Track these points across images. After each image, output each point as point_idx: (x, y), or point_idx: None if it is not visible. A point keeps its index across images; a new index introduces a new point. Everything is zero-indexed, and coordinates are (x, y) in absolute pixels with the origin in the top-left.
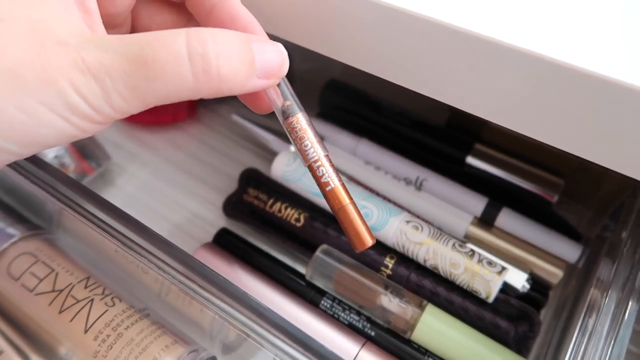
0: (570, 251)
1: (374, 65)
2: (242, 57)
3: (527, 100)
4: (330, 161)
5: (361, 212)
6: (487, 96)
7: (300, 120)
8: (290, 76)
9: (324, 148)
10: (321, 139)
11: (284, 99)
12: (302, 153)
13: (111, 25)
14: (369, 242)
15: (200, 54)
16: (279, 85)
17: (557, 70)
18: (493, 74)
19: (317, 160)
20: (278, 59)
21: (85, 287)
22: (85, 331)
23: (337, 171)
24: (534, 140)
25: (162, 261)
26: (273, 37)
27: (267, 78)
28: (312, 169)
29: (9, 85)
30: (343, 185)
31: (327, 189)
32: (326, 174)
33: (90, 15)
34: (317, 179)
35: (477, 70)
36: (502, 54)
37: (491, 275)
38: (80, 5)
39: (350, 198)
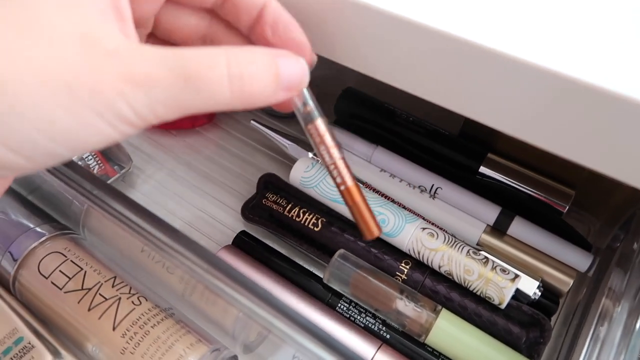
0: (580, 260)
1: (389, 75)
2: (270, 74)
3: (541, 113)
4: (346, 163)
5: (378, 218)
6: (501, 108)
7: (319, 125)
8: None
9: (341, 151)
10: (339, 142)
11: (305, 105)
12: (321, 155)
13: (135, 25)
14: (376, 232)
15: (239, 75)
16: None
17: (570, 85)
18: (507, 87)
19: (334, 162)
20: (300, 72)
21: (113, 286)
22: (114, 328)
23: (352, 173)
24: (546, 151)
25: (189, 260)
26: None
27: (289, 90)
28: (329, 170)
29: (65, 96)
30: (356, 185)
31: (341, 188)
32: (341, 175)
33: (125, 23)
34: (333, 179)
35: (492, 83)
36: (517, 69)
37: (504, 282)
38: (118, 14)
39: (362, 196)
